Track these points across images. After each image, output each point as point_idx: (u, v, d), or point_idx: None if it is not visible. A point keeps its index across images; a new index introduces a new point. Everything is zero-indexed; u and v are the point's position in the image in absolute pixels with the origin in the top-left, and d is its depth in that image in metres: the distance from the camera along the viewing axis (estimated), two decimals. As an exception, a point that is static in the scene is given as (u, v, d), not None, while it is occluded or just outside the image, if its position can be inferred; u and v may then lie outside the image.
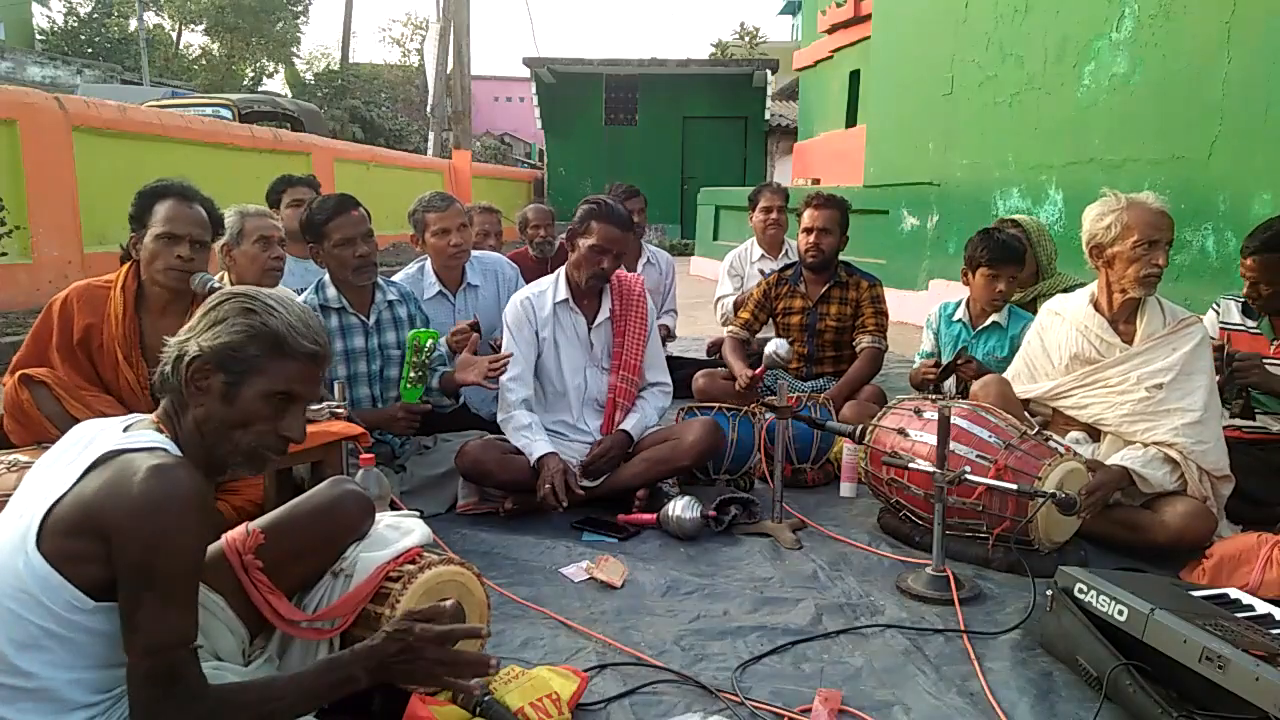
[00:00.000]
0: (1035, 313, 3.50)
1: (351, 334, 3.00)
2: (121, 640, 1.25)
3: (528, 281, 3.78)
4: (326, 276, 3.02)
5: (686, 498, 2.77)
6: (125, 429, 1.38)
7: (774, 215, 4.78)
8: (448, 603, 1.56)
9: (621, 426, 3.03)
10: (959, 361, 3.20)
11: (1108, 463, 2.55)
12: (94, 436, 1.37)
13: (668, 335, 4.67)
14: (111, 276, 2.55)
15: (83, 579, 1.24)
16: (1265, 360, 2.88)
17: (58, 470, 1.33)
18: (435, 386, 3.07)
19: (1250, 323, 3.01)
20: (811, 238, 3.78)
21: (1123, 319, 2.68)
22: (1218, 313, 3.10)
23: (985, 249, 3.35)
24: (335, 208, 2.92)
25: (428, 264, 3.65)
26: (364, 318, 3.02)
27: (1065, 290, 3.37)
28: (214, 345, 1.38)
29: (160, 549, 1.22)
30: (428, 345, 2.91)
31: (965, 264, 3.44)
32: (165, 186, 2.49)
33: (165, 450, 1.33)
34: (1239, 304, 3.05)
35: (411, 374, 2.91)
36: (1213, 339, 2.94)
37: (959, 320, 3.54)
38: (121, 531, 1.22)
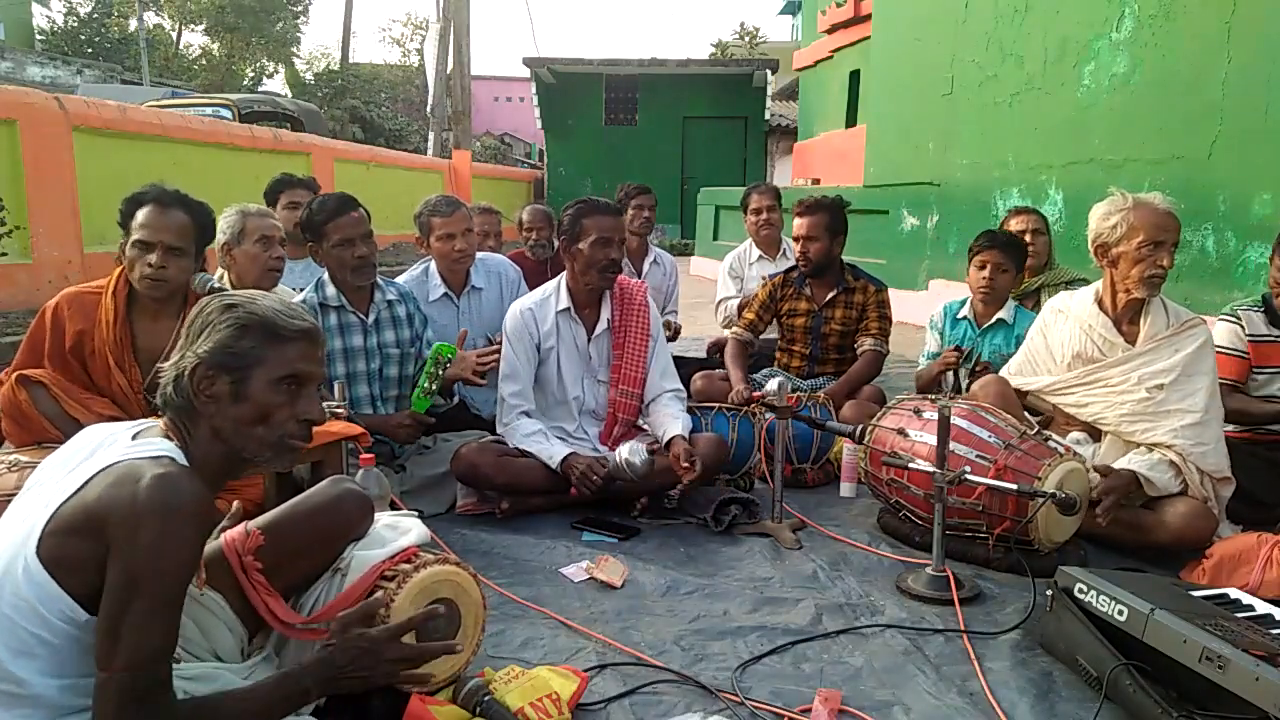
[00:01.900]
0: (1038, 303, 3.53)
1: (350, 332, 3.00)
2: (96, 650, 1.22)
3: (528, 282, 3.80)
4: (326, 275, 3.02)
5: (631, 442, 2.81)
6: (134, 436, 1.38)
7: (765, 215, 4.77)
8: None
9: (676, 432, 2.92)
10: (976, 368, 3.23)
11: (1115, 466, 2.55)
12: (101, 443, 1.37)
13: (675, 333, 4.68)
14: (103, 281, 2.54)
15: (79, 588, 1.23)
16: None
17: (62, 476, 1.32)
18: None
19: (1278, 332, 2.93)
20: (799, 246, 3.78)
21: (1126, 319, 2.68)
22: (1241, 325, 2.94)
23: (977, 238, 3.46)
24: (335, 208, 2.92)
25: (432, 265, 3.67)
26: (363, 316, 3.02)
27: (1067, 284, 3.38)
28: (209, 349, 1.36)
29: (157, 557, 1.21)
30: (445, 360, 2.90)
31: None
32: (145, 192, 2.47)
33: (171, 459, 1.32)
34: (1260, 315, 2.94)
35: (427, 384, 2.91)
36: (1228, 350, 2.91)
37: (964, 318, 3.58)
38: (121, 537, 1.21)
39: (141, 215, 2.44)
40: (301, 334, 1.42)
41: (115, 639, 1.21)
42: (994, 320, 3.48)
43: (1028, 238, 3.62)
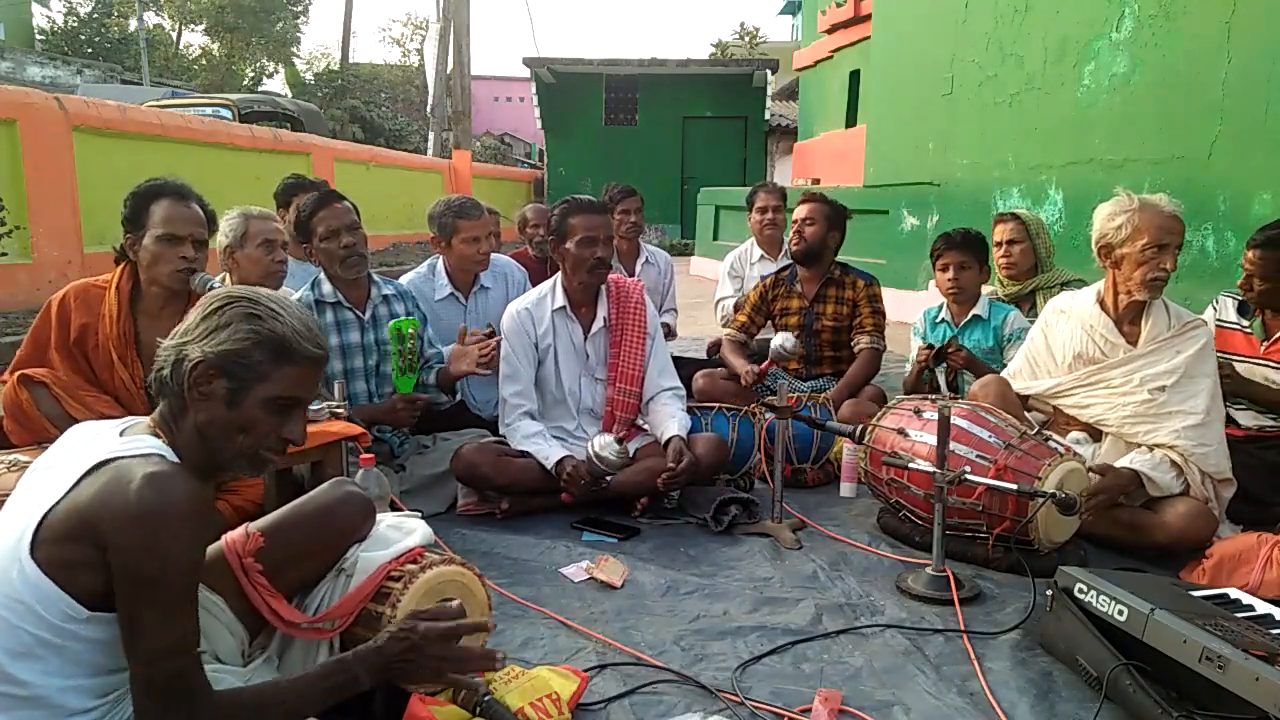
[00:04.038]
0: (1034, 305, 3.54)
1: (347, 329, 3.01)
2: (119, 647, 1.25)
3: (531, 281, 3.81)
4: (322, 273, 3.03)
5: (600, 436, 2.81)
6: (121, 433, 1.37)
7: (770, 215, 4.80)
8: (454, 603, 1.56)
9: (673, 433, 2.93)
10: (949, 349, 3.29)
11: (1116, 465, 2.55)
12: (89, 441, 1.36)
13: (669, 334, 4.68)
14: (109, 276, 2.54)
15: (77, 587, 1.23)
16: (1255, 361, 2.87)
17: (52, 475, 1.31)
18: (431, 383, 3.09)
19: (1244, 321, 3.01)
20: (795, 227, 3.81)
21: (1128, 319, 2.68)
22: (1215, 310, 3.10)
23: (935, 242, 3.55)
24: (318, 202, 2.95)
25: (439, 264, 3.67)
26: (359, 313, 3.03)
27: (1063, 285, 3.38)
28: (218, 351, 1.36)
29: (157, 558, 1.21)
30: (409, 333, 2.90)
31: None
32: (160, 186, 2.45)
33: (161, 457, 1.31)
34: (1235, 302, 3.05)
35: (400, 363, 2.91)
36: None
37: (943, 321, 3.64)
38: (118, 541, 1.21)
39: (164, 209, 2.42)
40: (310, 360, 1.43)
41: (132, 637, 1.23)
42: (970, 318, 3.55)
43: (1004, 248, 3.63)
